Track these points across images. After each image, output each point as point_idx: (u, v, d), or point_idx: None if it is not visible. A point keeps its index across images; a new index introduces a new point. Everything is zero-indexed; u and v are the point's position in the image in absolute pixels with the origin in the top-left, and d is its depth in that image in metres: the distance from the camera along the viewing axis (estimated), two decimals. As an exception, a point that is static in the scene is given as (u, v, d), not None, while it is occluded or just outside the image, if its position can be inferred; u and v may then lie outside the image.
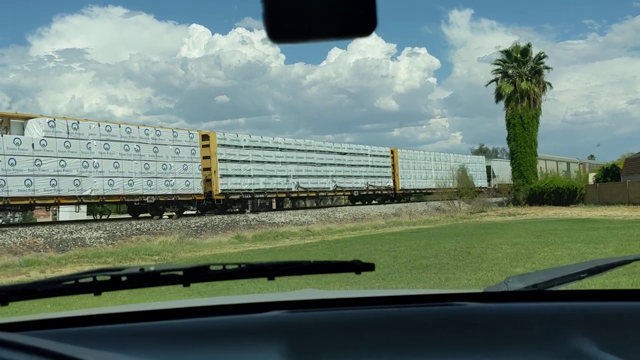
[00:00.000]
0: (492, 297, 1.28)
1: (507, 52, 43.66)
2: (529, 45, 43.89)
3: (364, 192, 41.05)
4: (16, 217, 48.61)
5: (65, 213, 34.88)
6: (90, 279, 1.17)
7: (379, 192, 42.15)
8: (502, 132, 44.40)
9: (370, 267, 1.28)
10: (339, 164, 38.56)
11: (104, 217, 34.37)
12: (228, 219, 28.02)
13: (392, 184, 42.35)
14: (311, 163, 36.18)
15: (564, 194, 39.93)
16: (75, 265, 16.02)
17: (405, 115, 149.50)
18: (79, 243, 20.71)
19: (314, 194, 37.87)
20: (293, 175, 34.91)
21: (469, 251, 14.83)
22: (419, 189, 44.93)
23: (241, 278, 1.27)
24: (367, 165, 40.79)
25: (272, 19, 0.81)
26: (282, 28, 0.82)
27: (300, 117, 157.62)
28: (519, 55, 43.09)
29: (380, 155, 41.82)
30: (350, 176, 39.35)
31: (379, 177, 41.60)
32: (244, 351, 1.06)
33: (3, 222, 36.11)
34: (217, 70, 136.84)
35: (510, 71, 43.17)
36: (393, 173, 42.92)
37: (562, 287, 1.30)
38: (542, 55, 43.78)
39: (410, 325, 1.15)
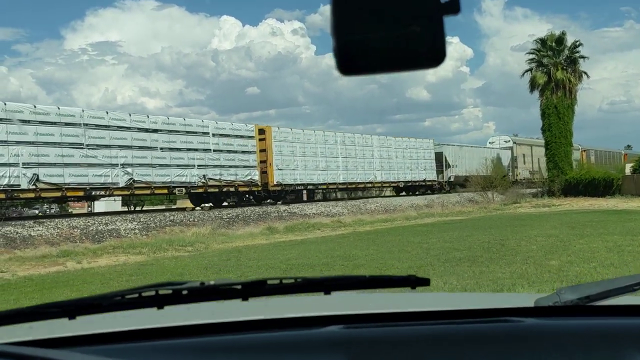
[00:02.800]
0: (545, 312, 1.26)
1: (541, 41, 42.93)
2: (563, 34, 43.08)
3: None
4: (52, 209, 49.66)
5: (100, 204, 35.41)
6: (152, 293, 1.19)
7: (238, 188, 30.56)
8: (536, 122, 43.84)
9: (425, 282, 1.29)
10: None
11: (137, 208, 34.84)
12: (260, 211, 28.19)
13: (256, 177, 30.78)
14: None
15: (599, 185, 39.26)
16: (110, 256, 16.27)
17: (437, 105, 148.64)
18: (114, 234, 21.02)
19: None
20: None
21: (502, 243, 14.67)
22: (309, 184, 34.88)
23: (298, 292, 1.29)
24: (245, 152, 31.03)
25: (343, 54, 0.81)
26: (352, 63, 0.82)
27: (330, 108, 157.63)
28: (553, 44, 42.35)
29: (240, 136, 30.42)
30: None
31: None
32: None
33: (40, 214, 36.89)
34: (247, 62, 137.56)
35: (544, 60, 42.45)
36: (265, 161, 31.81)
37: (616, 300, 1.27)
38: (577, 43, 42.98)
39: (467, 342, 1.16)
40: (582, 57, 42.79)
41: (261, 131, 31.72)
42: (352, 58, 0.82)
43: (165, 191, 27.48)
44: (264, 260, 13.72)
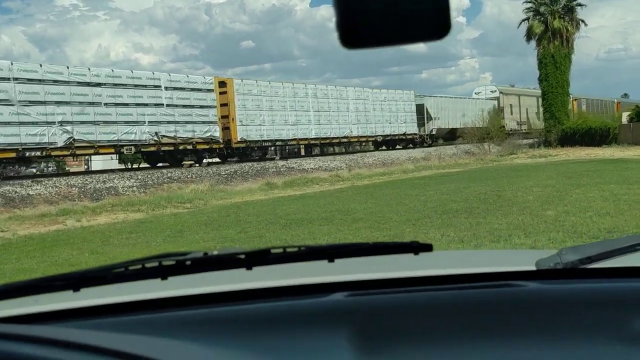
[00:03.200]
0: (547, 274, 1.28)
1: (539, -11, 42.33)
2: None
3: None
4: (49, 167, 49.60)
5: (98, 162, 35.36)
6: (156, 264, 1.21)
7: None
8: (533, 73, 43.57)
9: (428, 247, 1.33)
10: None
11: (134, 165, 34.79)
12: (258, 166, 28.18)
13: (217, 134, 28.75)
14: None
15: (596, 134, 39.26)
16: (109, 214, 16.34)
17: (433, 57, 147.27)
18: (112, 192, 21.07)
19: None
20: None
21: (499, 194, 14.75)
22: (277, 140, 32.72)
23: (302, 261, 1.31)
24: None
25: (345, 27, 0.81)
26: (355, 36, 0.82)
27: (326, 62, 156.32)
28: (551, -8, 41.78)
29: (198, 90, 28.24)
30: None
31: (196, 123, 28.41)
32: (310, 336, 1.08)
33: (37, 172, 36.86)
34: (241, 15, 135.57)
35: (542, 9, 41.91)
36: (228, 116, 29.76)
37: (618, 261, 1.28)
38: (575, -10, 42.39)
39: (472, 308, 1.17)
40: (580, 4, 42.29)
41: (222, 84, 29.54)
42: (355, 31, 0.82)
43: (112, 150, 25.60)
44: (263, 215, 13.80)
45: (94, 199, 19.82)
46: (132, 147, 25.53)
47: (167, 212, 16.25)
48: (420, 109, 42.87)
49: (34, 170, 42.85)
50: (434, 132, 44.57)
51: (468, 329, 1.13)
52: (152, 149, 26.42)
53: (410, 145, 42.02)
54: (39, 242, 11.85)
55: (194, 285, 1.28)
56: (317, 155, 37.86)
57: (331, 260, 1.31)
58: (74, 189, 20.76)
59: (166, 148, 26.87)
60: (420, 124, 43.17)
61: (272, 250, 1.27)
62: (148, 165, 28.50)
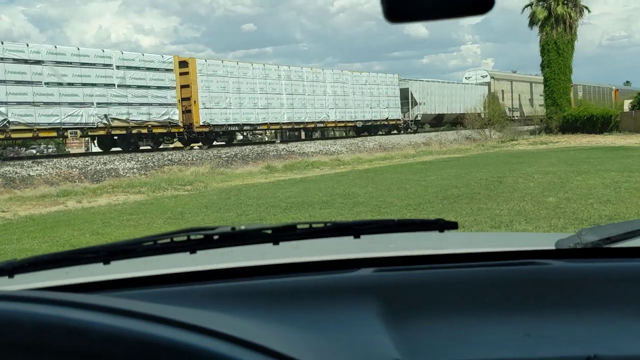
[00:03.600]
0: (568, 254, 1.30)
1: (542, -25, 42.04)
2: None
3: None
4: (50, 148, 49.58)
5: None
6: (184, 238, 1.22)
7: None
8: (535, 59, 43.30)
9: (453, 225, 1.34)
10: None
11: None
12: (258, 149, 28.16)
13: (175, 117, 27.01)
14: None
15: (597, 122, 39.22)
16: (110, 195, 16.35)
17: (435, 42, 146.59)
18: (113, 174, 21.08)
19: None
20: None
21: (500, 180, 14.75)
22: (245, 124, 30.89)
23: (327, 237, 1.32)
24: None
25: (390, 1, 0.81)
26: (399, 9, 0.82)
27: (328, 46, 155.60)
28: (555, -22, 41.48)
29: (155, 69, 26.31)
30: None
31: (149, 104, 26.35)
32: (337, 310, 1.10)
33: (37, 154, 36.85)
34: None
35: (545, -6, 41.70)
36: (190, 98, 28.05)
37: (637, 242, 1.30)
38: (579, -25, 42.12)
39: (498, 284, 1.20)
40: (584, -9, 42.00)
41: (183, 64, 27.50)
42: (400, 4, 0.82)
43: (54, 134, 23.63)
44: (263, 198, 13.80)
45: (95, 180, 19.83)
46: (78, 131, 23.70)
47: (168, 194, 16.26)
48: (404, 94, 40.85)
49: (34, 152, 42.92)
50: (419, 118, 42.75)
51: (493, 304, 1.15)
52: (102, 132, 24.59)
53: (395, 131, 40.53)
54: (40, 222, 11.86)
55: (221, 259, 1.30)
56: (318, 138, 37.80)
57: (357, 236, 1.32)
58: (74, 170, 20.76)
59: (118, 132, 25.20)
60: (405, 109, 41.26)
61: (299, 226, 1.29)
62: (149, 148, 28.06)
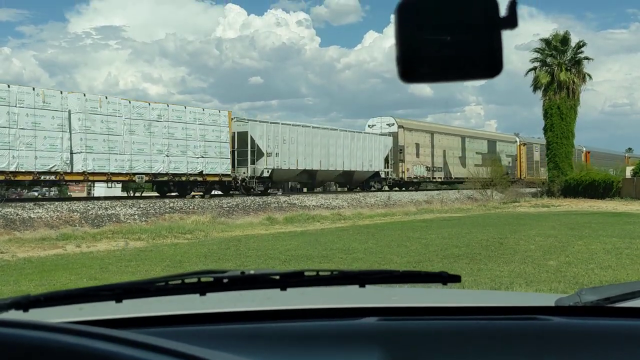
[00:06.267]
0: (568, 311, 1.32)
1: (546, 41, 42.85)
2: (568, 34, 42.95)
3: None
4: (52, 192, 49.64)
5: (100, 189, 35.44)
6: (195, 280, 1.24)
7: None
8: (538, 122, 43.84)
9: (456, 278, 1.37)
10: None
11: (136, 194, 34.90)
12: (260, 201, 28.18)
13: None
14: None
15: (599, 187, 39.34)
16: (110, 241, 16.30)
17: (439, 101, 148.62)
18: (114, 219, 21.05)
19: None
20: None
21: (501, 242, 14.72)
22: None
23: (334, 285, 1.33)
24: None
25: (405, 63, 0.86)
26: (414, 71, 0.87)
27: (333, 101, 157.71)
28: (558, 44, 42.27)
29: None
30: None
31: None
32: (342, 357, 1.11)
33: (39, 196, 36.88)
34: (251, 51, 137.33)
35: (549, 60, 42.41)
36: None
37: (636, 302, 1.31)
38: (581, 44, 42.94)
39: (499, 338, 1.22)
40: (587, 58, 42.80)
41: None
42: (414, 66, 0.86)
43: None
44: (263, 250, 13.75)
45: (95, 225, 19.80)
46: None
47: (168, 242, 16.21)
48: (243, 138, 29.84)
49: (36, 194, 42.97)
50: (265, 174, 30.64)
51: (494, 357, 1.16)
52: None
53: (220, 192, 30.37)
54: (38, 265, 11.80)
55: (230, 302, 1.32)
56: (318, 192, 37.87)
57: (362, 285, 1.34)
58: (75, 214, 20.75)
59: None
60: (243, 160, 29.92)
61: (306, 273, 1.31)
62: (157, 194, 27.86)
